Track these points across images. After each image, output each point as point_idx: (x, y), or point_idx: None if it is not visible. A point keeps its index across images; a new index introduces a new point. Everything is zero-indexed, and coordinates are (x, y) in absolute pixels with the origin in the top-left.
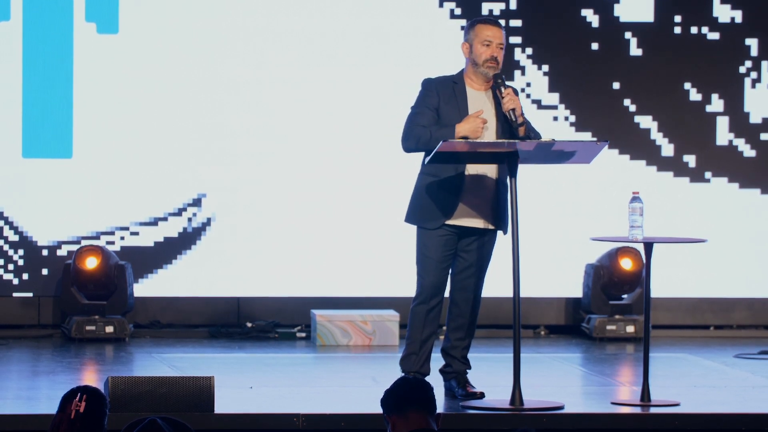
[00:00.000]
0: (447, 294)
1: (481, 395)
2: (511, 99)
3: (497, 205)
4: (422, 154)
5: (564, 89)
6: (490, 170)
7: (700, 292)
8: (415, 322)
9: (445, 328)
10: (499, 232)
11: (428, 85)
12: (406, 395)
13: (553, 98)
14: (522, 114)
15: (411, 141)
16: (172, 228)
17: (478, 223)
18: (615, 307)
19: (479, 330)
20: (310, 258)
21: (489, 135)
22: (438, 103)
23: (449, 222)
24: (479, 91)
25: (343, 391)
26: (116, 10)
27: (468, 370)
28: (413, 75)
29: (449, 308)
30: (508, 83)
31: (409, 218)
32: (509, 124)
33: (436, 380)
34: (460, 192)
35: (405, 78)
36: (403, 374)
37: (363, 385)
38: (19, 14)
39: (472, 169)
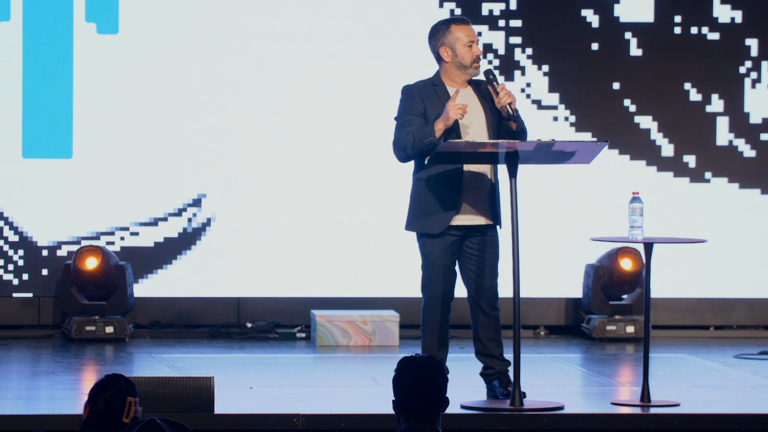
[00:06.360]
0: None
1: (523, 395)
2: (507, 93)
3: (493, 201)
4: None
5: (564, 89)
6: (486, 167)
7: (700, 293)
8: (430, 329)
9: (472, 332)
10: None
11: (409, 91)
12: (416, 397)
13: (553, 98)
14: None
15: (400, 151)
16: (172, 228)
17: (479, 220)
18: (615, 307)
19: None
20: (310, 258)
21: (480, 130)
22: (424, 108)
23: (453, 223)
24: (461, 88)
25: (343, 391)
26: (116, 10)
27: (509, 368)
28: (413, 75)
29: (472, 311)
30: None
31: (411, 226)
32: (498, 118)
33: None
34: (460, 190)
35: (405, 78)
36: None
37: (363, 386)
38: (19, 14)
39: (469, 167)
